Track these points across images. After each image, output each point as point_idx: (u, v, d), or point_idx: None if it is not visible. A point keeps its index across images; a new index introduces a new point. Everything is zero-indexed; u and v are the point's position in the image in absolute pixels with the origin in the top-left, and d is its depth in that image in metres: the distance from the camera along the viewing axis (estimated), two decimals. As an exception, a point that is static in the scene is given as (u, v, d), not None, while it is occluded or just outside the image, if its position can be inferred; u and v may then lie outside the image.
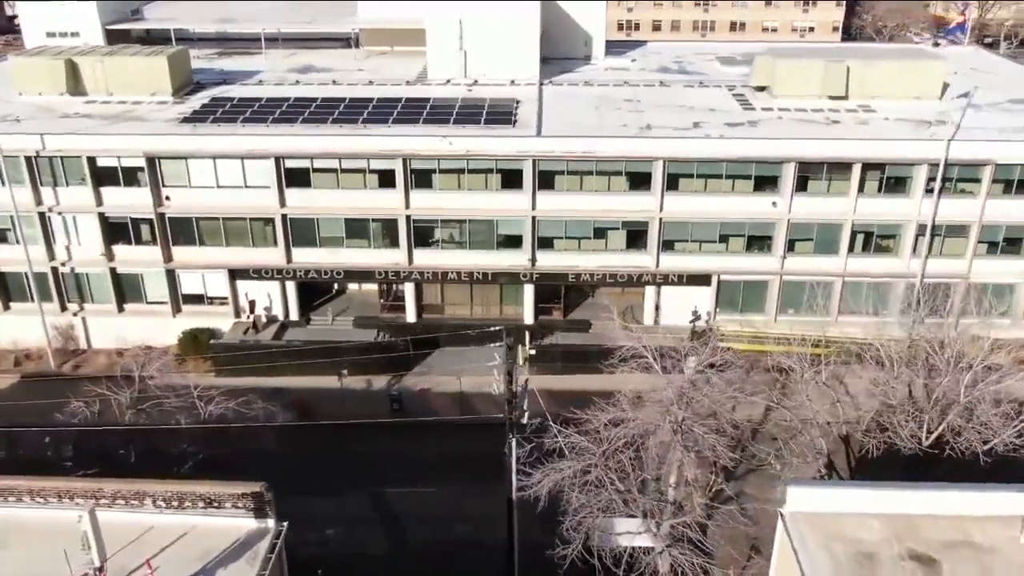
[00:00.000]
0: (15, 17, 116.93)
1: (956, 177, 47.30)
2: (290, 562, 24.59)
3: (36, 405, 41.31)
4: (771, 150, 46.74)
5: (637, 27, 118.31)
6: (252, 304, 51.00)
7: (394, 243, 49.64)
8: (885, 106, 51.96)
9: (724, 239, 49.40)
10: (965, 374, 30.60)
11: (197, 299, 51.59)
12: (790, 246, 48.79)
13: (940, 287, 44.51)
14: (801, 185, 47.46)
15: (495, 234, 49.53)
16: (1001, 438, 29.97)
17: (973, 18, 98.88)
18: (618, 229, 49.56)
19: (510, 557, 32.48)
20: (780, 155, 46.57)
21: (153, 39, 68.59)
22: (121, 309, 51.53)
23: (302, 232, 49.58)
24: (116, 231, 49.91)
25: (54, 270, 50.38)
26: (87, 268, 50.68)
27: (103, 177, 48.55)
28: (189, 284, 51.28)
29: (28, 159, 47.60)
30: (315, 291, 53.85)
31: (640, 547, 31.37)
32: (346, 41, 70.03)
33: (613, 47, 68.48)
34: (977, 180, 47.07)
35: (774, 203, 47.80)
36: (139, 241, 50.07)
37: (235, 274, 50.52)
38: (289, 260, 49.89)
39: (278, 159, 47.60)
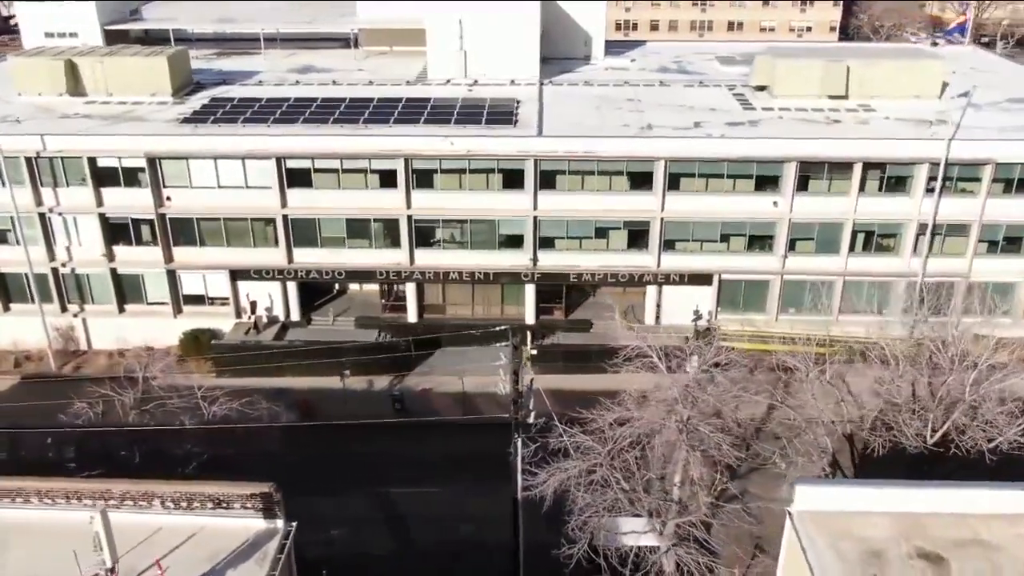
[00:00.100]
0: (10, 18, 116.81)
1: (956, 176, 47.39)
2: (297, 563, 24.60)
3: (38, 406, 41.28)
4: (772, 150, 46.81)
5: (635, 27, 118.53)
6: (253, 305, 50.95)
7: (395, 243, 49.62)
8: (885, 105, 52.07)
9: (725, 239, 49.45)
10: (970, 372, 30.70)
11: (198, 300, 51.50)
12: (791, 245, 48.86)
13: (942, 286, 44.58)
14: (802, 184, 47.53)
15: (496, 234, 49.53)
16: (1006, 436, 30.07)
17: (962, 18, 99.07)
18: (619, 229, 49.60)
19: (515, 557, 32.47)
20: (781, 155, 46.64)
21: (152, 39, 68.50)
22: (122, 310, 51.43)
23: (303, 232, 49.54)
24: (117, 232, 49.82)
25: (54, 271, 50.27)
26: (87, 269, 50.58)
27: (103, 178, 48.45)
28: (190, 285, 51.19)
29: (28, 159, 47.46)
30: (316, 291, 53.81)
31: (645, 546, 31.44)
32: (345, 41, 69.95)
33: (612, 47, 68.54)
34: (977, 179, 47.18)
35: (775, 203, 47.86)
36: (140, 242, 49.98)
37: (236, 274, 50.45)
38: (290, 260, 49.84)
39: (279, 159, 47.55)
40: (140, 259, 50.22)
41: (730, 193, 48.23)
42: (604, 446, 30.87)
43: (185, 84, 56.64)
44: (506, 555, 33.17)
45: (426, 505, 38.92)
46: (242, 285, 50.87)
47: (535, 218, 48.55)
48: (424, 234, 49.77)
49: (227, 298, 51.11)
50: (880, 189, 47.92)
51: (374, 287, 53.41)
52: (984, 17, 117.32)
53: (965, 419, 30.67)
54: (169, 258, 49.96)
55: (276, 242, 49.54)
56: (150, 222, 49.33)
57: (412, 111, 51.55)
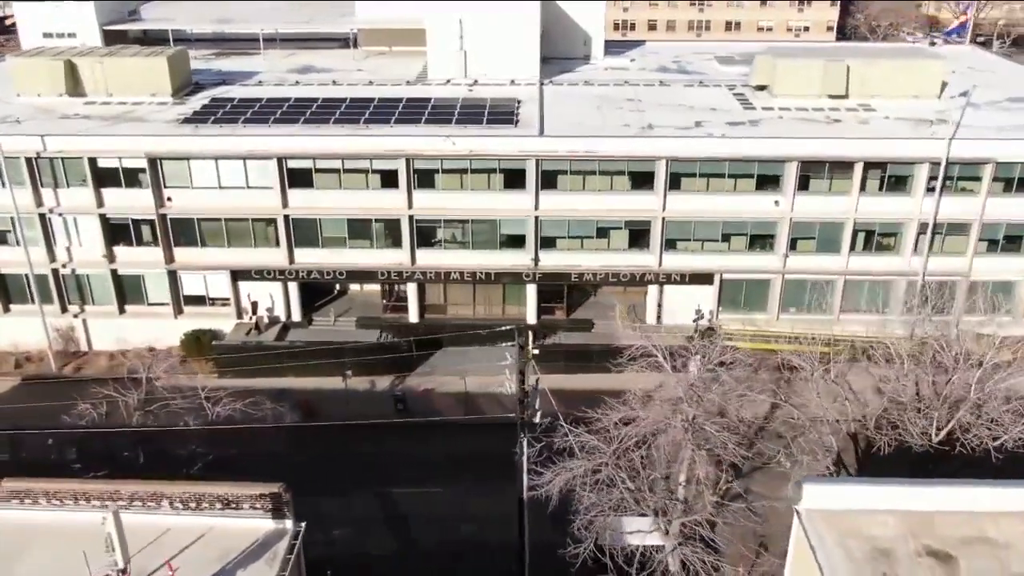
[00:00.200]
0: (6, 18, 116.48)
1: (957, 175, 47.52)
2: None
3: (41, 408, 41.24)
4: (774, 149, 46.90)
5: (633, 27, 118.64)
6: (255, 305, 50.90)
7: (397, 243, 49.60)
8: (885, 105, 52.20)
9: (726, 238, 49.52)
10: (975, 371, 30.80)
11: (199, 300, 51.43)
12: (792, 245, 48.96)
13: (945, 285, 44.71)
14: (803, 184, 47.64)
15: (498, 234, 49.54)
16: (1011, 435, 30.17)
17: (963, 17, 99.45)
18: (621, 228, 49.66)
19: (521, 557, 32.47)
20: (783, 154, 46.74)
21: (150, 40, 68.36)
22: (122, 311, 51.35)
23: (304, 233, 49.49)
24: (117, 232, 49.75)
25: (55, 272, 50.17)
26: (88, 269, 50.49)
27: (104, 178, 48.36)
28: (191, 285, 51.11)
29: (29, 160, 47.37)
30: (317, 292, 53.78)
31: (651, 546, 31.47)
32: (344, 41, 69.88)
33: (611, 47, 68.57)
34: (978, 178, 47.31)
35: (776, 202, 47.94)
36: (140, 242, 49.90)
37: (237, 275, 50.41)
38: (291, 261, 49.79)
39: (280, 160, 47.50)
40: (141, 260, 50.14)
41: (731, 193, 48.31)
42: (609, 445, 30.92)
43: (185, 84, 56.55)
44: (511, 555, 33.18)
45: (429, 505, 38.93)
46: (243, 286, 50.83)
47: (536, 218, 48.57)
48: (425, 234, 49.76)
49: (228, 299, 51.06)
50: (881, 188, 48.05)
51: (375, 287, 53.38)
52: (980, 17, 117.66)
53: (970, 417, 30.76)
54: (170, 259, 49.88)
55: (277, 242, 49.50)
56: (151, 222, 49.25)
57: (413, 111, 51.54)
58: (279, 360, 48.35)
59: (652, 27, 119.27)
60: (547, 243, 49.50)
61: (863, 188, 47.44)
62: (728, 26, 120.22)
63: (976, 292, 41.94)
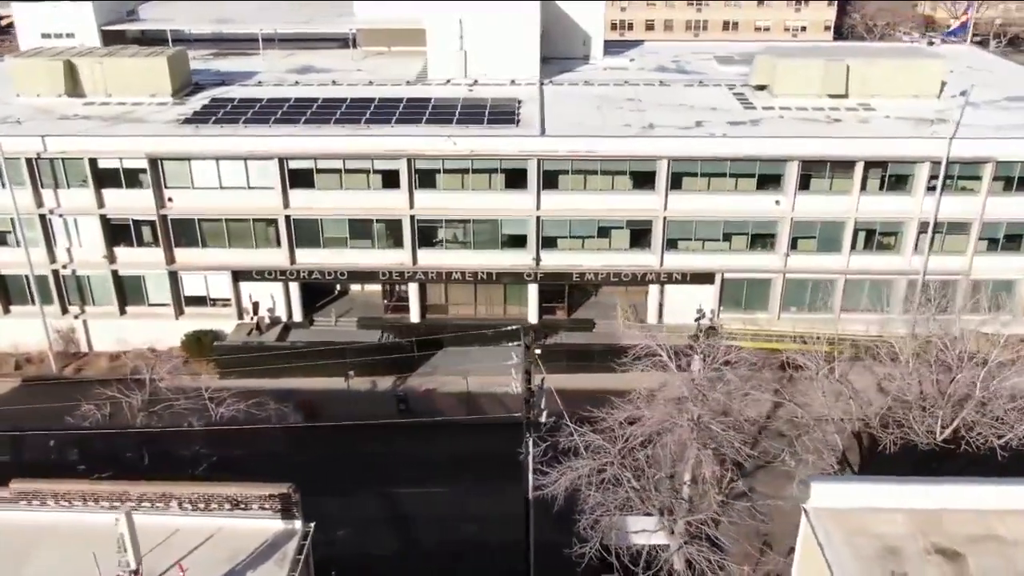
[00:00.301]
0: (3, 18, 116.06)
1: (957, 175, 47.64)
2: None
3: (44, 409, 41.17)
4: (775, 149, 46.98)
5: (630, 27, 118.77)
6: (256, 306, 50.86)
7: (398, 243, 49.59)
8: (884, 104, 52.30)
9: (727, 237, 49.62)
10: (980, 369, 30.89)
11: (200, 301, 51.38)
12: (793, 244, 49.06)
13: (948, 284, 44.82)
14: (804, 183, 47.74)
15: (499, 234, 49.57)
16: (1016, 432, 30.26)
17: (964, 17, 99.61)
18: (622, 228, 49.71)
19: (527, 556, 32.48)
20: (784, 154, 46.83)
21: (148, 40, 68.10)
22: (123, 312, 51.27)
23: (306, 233, 49.46)
24: (118, 233, 49.66)
25: (55, 272, 50.06)
26: (88, 270, 50.41)
27: (104, 179, 48.28)
28: (191, 286, 51.06)
29: (29, 161, 47.26)
30: (318, 292, 53.75)
31: (656, 545, 31.50)
32: (343, 41, 69.74)
33: (610, 47, 68.56)
34: (978, 177, 47.45)
35: (777, 201, 48.02)
36: (141, 243, 49.82)
37: (238, 275, 50.37)
38: (293, 261, 49.75)
39: (281, 160, 47.45)
40: (141, 260, 50.06)
41: (732, 192, 48.38)
42: (614, 445, 30.95)
43: (184, 85, 56.46)
44: (516, 555, 33.19)
45: (432, 505, 38.93)
46: (244, 286, 50.80)
47: (538, 218, 48.59)
48: (427, 234, 49.76)
49: (229, 299, 51.01)
50: (881, 188, 48.18)
51: (376, 287, 53.36)
52: (977, 16, 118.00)
53: (975, 415, 30.84)
54: (171, 259, 49.81)
55: (278, 243, 49.46)
56: (151, 223, 49.18)
57: (413, 111, 51.52)
58: (280, 361, 48.28)
59: (650, 27, 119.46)
60: (548, 243, 49.53)
61: (864, 187, 47.56)
62: (726, 26, 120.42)
63: (980, 291, 41.94)
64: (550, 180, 48.21)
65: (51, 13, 65.50)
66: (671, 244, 49.33)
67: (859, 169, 46.90)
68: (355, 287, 54.68)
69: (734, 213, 48.55)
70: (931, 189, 47.13)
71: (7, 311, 51.44)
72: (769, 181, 48.27)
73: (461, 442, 42.48)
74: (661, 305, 50.94)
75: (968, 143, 46.04)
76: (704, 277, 49.84)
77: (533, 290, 50.85)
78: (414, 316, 51.85)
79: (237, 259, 49.85)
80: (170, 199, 48.55)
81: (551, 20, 61.89)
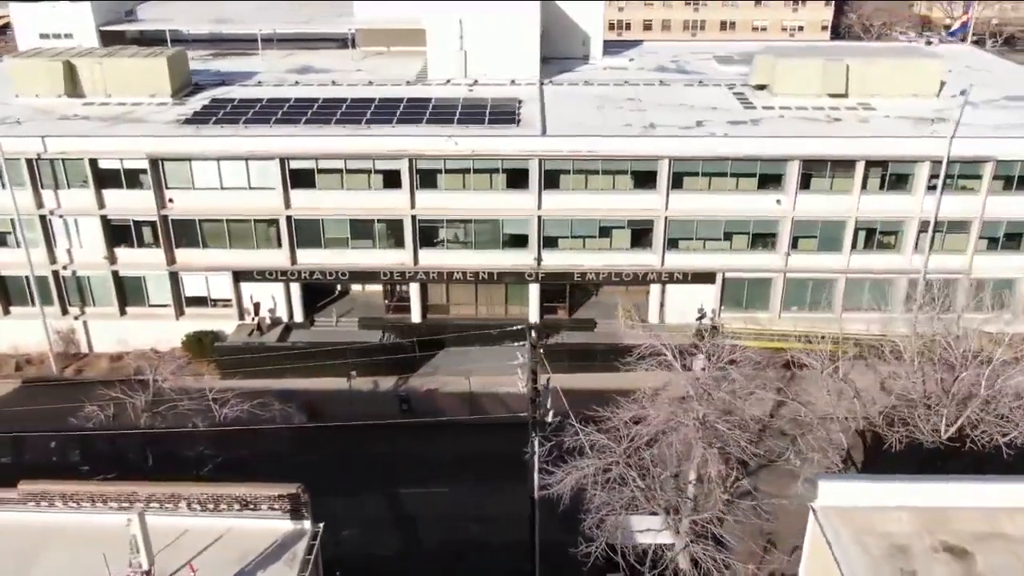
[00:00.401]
0: (0, 18, 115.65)
1: (957, 174, 47.77)
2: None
3: (43, 410, 41.11)
4: (776, 148, 47.05)
5: (628, 27, 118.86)
6: (257, 306, 50.79)
7: (399, 243, 49.56)
8: (884, 104, 52.42)
9: (728, 237, 49.67)
10: (984, 368, 30.99)
11: (200, 301, 51.27)
12: (794, 243, 49.13)
13: (950, 283, 44.92)
14: (805, 183, 47.82)
15: (500, 234, 49.56)
16: (1021, 430, 30.35)
17: (959, 16, 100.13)
18: (623, 228, 49.73)
19: (532, 556, 32.50)
20: (785, 153, 46.90)
21: (147, 40, 67.94)
22: (123, 312, 51.15)
23: (307, 233, 49.39)
24: (118, 233, 49.54)
25: (55, 273, 49.94)
26: (89, 271, 50.29)
27: (105, 179, 48.16)
28: (192, 286, 50.96)
29: (29, 161, 47.13)
30: (319, 292, 53.69)
31: (661, 544, 31.53)
32: (342, 41, 69.69)
33: (608, 47, 68.54)
34: (978, 177, 47.58)
35: (778, 201, 48.08)
36: (141, 243, 49.71)
37: (239, 276, 50.28)
38: (294, 261, 49.69)
39: (283, 160, 47.38)
40: (142, 261, 49.96)
41: (733, 192, 48.44)
42: (620, 444, 30.98)
43: (184, 85, 56.36)
44: (521, 554, 33.21)
45: (436, 506, 38.93)
46: (245, 287, 50.73)
47: (539, 218, 48.59)
48: (428, 234, 49.75)
49: (230, 300, 50.91)
50: (882, 187, 48.28)
51: (377, 288, 53.32)
52: (960, 16, 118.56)
53: (980, 413, 30.93)
54: (171, 260, 49.71)
55: (279, 243, 49.40)
56: (152, 224, 49.08)
57: (414, 111, 51.50)
58: (282, 361, 48.22)
59: (647, 27, 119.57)
60: (550, 243, 49.53)
61: (864, 187, 47.65)
62: (723, 26, 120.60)
63: (984, 290, 42.07)
64: (551, 180, 48.22)
65: (49, 13, 65.35)
66: (672, 244, 49.38)
67: (860, 168, 46.99)
68: (356, 287, 54.64)
69: (735, 212, 48.60)
70: (931, 188, 47.25)
71: (7, 312, 51.30)
72: (770, 181, 48.34)
73: (464, 442, 42.51)
74: (662, 305, 50.97)
75: (968, 142, 46.16)
76: (705, 277, 49.90)
77: (534, 290, 50.86)
78: (415, 316, 51.84)
79: (238, 260, 49.77)
80: (171, 200, 48.45)
81: (551, 20, 61.91)
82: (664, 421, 30.73)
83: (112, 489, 22.85)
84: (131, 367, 47.43)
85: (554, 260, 49.68)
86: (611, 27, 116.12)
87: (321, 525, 23.11)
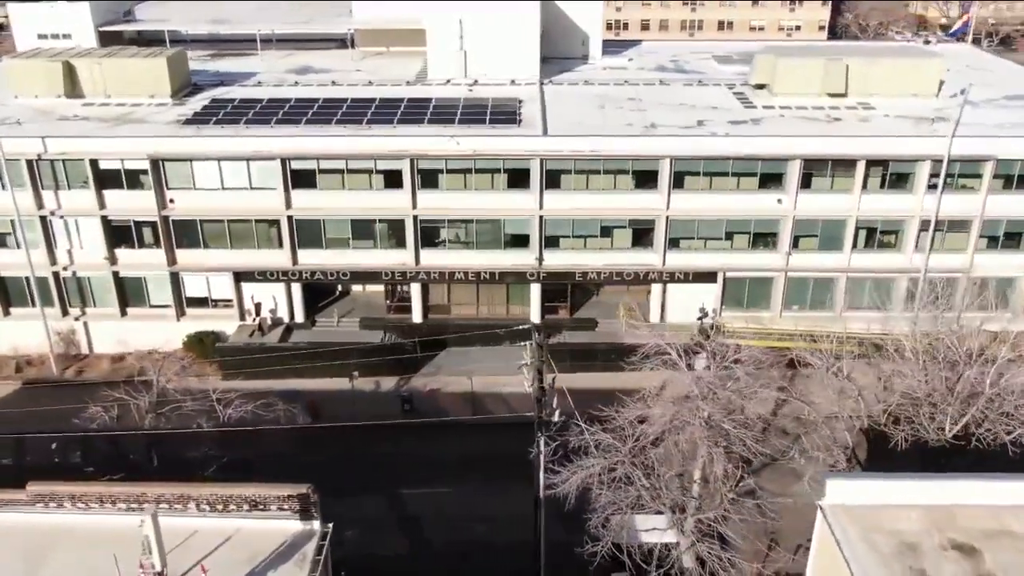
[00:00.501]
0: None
1: (957, 173, 47.89)
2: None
3: (46, 411, 40.97)
4: (778, 147, 47.12)
5: (626, 26, 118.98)
6: (258, 307, 50.73)
7: (400, 244, 49.54)
8: (884, 103, 52.59)
9: (729, 236, 49.74)
10: (989, 366, 31.09)
11: (201, 302, 51.19)
12: (795, 243, 49.20)
13: (953, 282, 45.01)
14: (805, 182, 47.89)
15: (502, 233, 49.58)
16: (1026, 428, 30.53)
17: (958, 16, 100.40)
18: (624, 228, 49.76)
19: (537, 556, 32.51)
20: (786, 152, 46.98)
21: (145, 40, 67.91)
22: (124, 313, 51.04)
23: (308, 233, 49.33)
24: (119, 234, 49.43)
25: (55, 274, 49.81)
26: (89, 272, 50.18)
27: (105, 180, 48.04)
28: (193, 287, 50.87)
29: (29, 162, 46.99)
30: (320, 293, 53.66)
31: (666, 543, 31.57)
32: (341, 42, 69.70)
33: (607, 47, 68.63)
34: (978, 176, 47.71)
35: (779, 200, 48.15)
36: (142, 244, 49.61)
37: (240, 276, 50.21)
38: (295, 262, 49.63)
39: (284, 160, 47.32)
40: (143, 262, 49.86)
41: (734, 191, 48.50)
42: (625, 444, 31.00)
43: (184, 85, 56.28)
44: (524, 554, 33.23)
45: (441, 506, 38.93)
46: (246, 287, 50.66)
47: (541, 217, 48.60)
48: (429, 234, 49.74)
49: (231, 300, 50.83)
50: (882, 186, 48.40)
51: (378, 288, 53.30)
52: (961, 16, 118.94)
53: (986, 411, 31.02)
54: (172, 260, 49.61)
55: (280, 243, 49.34)
56: (153, 224, 48.98)
57: (415, 111, 51.49)
58: (283, 362, 48.15)
59: (645, 27, 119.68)
60: (551, 242, 49.54)
61: (865, 186, 47.76)
62: (720, 25, 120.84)
63: (987, 288, 42.19)
64: (552, 180, 48.24)
65: (48, 13, 65.24)
66: (673, 243, 49.43)
67: (861, 168, 47.10)
68: (357, 288, 54.60)
69: (736, 212, 48.67)
70: (932, 187, 47.36)
71: (7, 313, 51.15)
72: (771, 180, 48.42)
73: (467, 442, 42.51)
74: (663, 304, 51.00)
75: (969, 141, 46.29)
76: (706, 276, 49.97)
77: (536, 290, 50.89)
78: (416, 316, 51.83)
79: (239, 260, 49.70)
80: (172, 200, 48.36)
81: (550, 20, 61.95)
82: (670, 420, 30.74)
83: (121, 490, 22.80)
84: (132, 368, 47.40)
85: (555, 260, 49.69)
86: (609, 27, 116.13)
87: (330, 525, 23.07)
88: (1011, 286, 49.39)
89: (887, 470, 32.44)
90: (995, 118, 50.76)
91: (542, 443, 30.54)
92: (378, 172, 48.36)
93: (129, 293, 50.95)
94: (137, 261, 49.84)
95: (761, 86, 55.82)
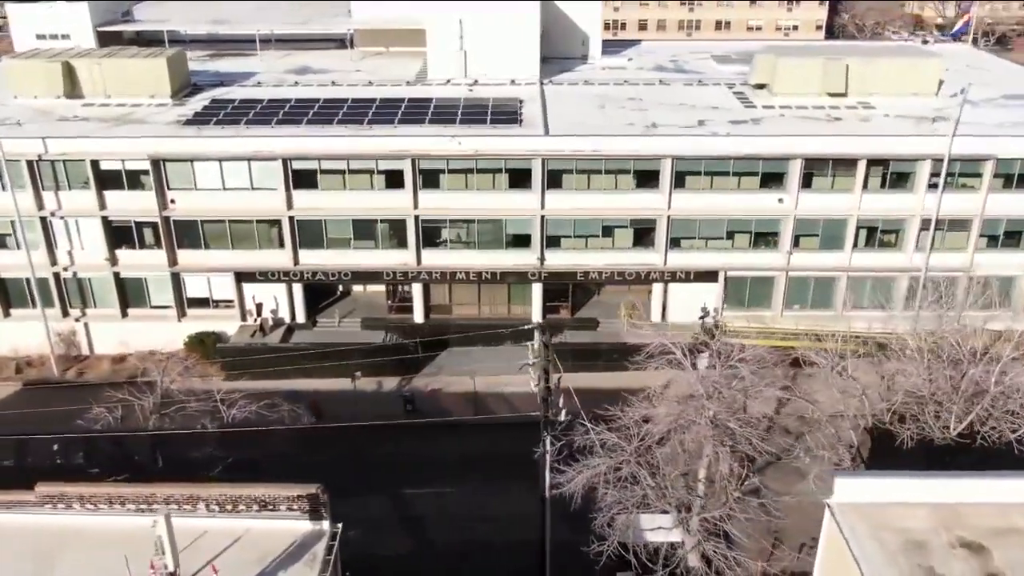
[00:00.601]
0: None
1: (958, 172, 48.02)
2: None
3: (48, 412, 40.86)
4: (779, 147, 47.20)
5: (623, 26, 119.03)
6: (259, 307, 50.68)
7: (402, 244, 49.53)
8: (883, 103, 52.74)
9: (731, 236, 49.83)
10: (993, 365, 31.20)
11: (202, 303, 51.13)
12: (796, 242, 49.27)
13: (955, 281, 45.17)
14: (806, 181, 47.98)
15: (503, 233, 49.60)
16: (1031, 426, 30.62)
17: (958, 16, 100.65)
18: (626, 227, 49.82)
19: (542, 555, 32.51)
20: (788, 152, 47.06)
21: (144, 40, 67.79)
22: (125, 314, 50.95)
23: (309, 234, 49.31)
24: (120, 235, 49.33)
25: (56, 275, 49.71)
26: (90, 273, 50.09)
27: (106, 180, 47.94)
28: (194, 288, 50.81)
29: (30, 163, 46.88)
30: (321, 293, 53.62)
31: (671, 542, 31.60)
32: (340, 42, 69.66)
33: (606, 46, 68.71)
34: (978, 175, 47.85)
35: (780, 199, 48.23)
36: (143, 245, 49.53)
37: (241, 277, 50.14)
38: (296, 262, 49.58)
39: (285, 161, 47.27)
40: (143, 262, 49.78)
41: (735, 191, 48.57)
42: (630, 443, 31.03)
43: (183, 86, 56.21)
44: (527, 554, 33.23)
45: (445, 506, 38.93)
46: (247, 287, 50.59)
47: (542, 217, 48.62)
48: (430, 234, 49.73)
49: (232, 301, 50.76)
50: (883, 185, 48.53)
51: (379, 288, 53.27)
52: (961, 16, 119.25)
53: (991, 410, 31.12)
54: (173, 261, 49.53)
55: (281, 244, 49.31)
56: (153, 225, 48.91)
57: (416, 111, 51.48)
58: (285, 362, 48.07)
59: (643, 27, 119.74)
60: (552, 242, 49.57)
61: (866, 185, 47.87)
62: (718, 25, 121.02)
63: (990, 287, 42.32)
64: (554, 180, 48.27)
65: (46, 14, 65.05)
66: (675, 243, 49.49)
67: (861, 167, 47.20)
68: (358, 288, 54.55)
69: (737, 211, 48.74)
70: (932, 186, 47.47)
71: (7, 314, 51.02)
72: (772, 179, 48.51)
73: (469, 442, 42.50)
74: (665, 304, 51.05)
75: (969, 140, 46.42)
76: (707, 275, 50.04)
77: (537, 289, 50.90)
78: (418, 316, 51.83)
79: (240, 260, 49.64)
80: (173, 201, 48.28)
81: (550, 20, 62.00)
82: (675, 419, 30.79)
83: (130, 491, 22.76)
84: (133, 369, 47.40)
85: (557, 260, 49.72)
86: (606, 27, 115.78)
87: (340, 525, 23.05)
88: (1012, 285, 49.51)
89: (892, 468, 32.61)
90: (995, 117, 50.91)
91: (548, 442, 30.52)
92: (379, 172, 48.35)
93: (130, 294, 50.86)
94: (138, 262, 49.76)
95: (761, 86, 55.91)
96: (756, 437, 30.29)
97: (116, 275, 50.01)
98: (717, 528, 30.89)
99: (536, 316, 51.35)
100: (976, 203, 48.02)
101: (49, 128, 48.84)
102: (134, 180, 48.04)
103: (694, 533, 31.29)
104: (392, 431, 41.36)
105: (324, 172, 48.20)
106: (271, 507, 22.64)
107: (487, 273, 50.10)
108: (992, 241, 49.60)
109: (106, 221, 48.60)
